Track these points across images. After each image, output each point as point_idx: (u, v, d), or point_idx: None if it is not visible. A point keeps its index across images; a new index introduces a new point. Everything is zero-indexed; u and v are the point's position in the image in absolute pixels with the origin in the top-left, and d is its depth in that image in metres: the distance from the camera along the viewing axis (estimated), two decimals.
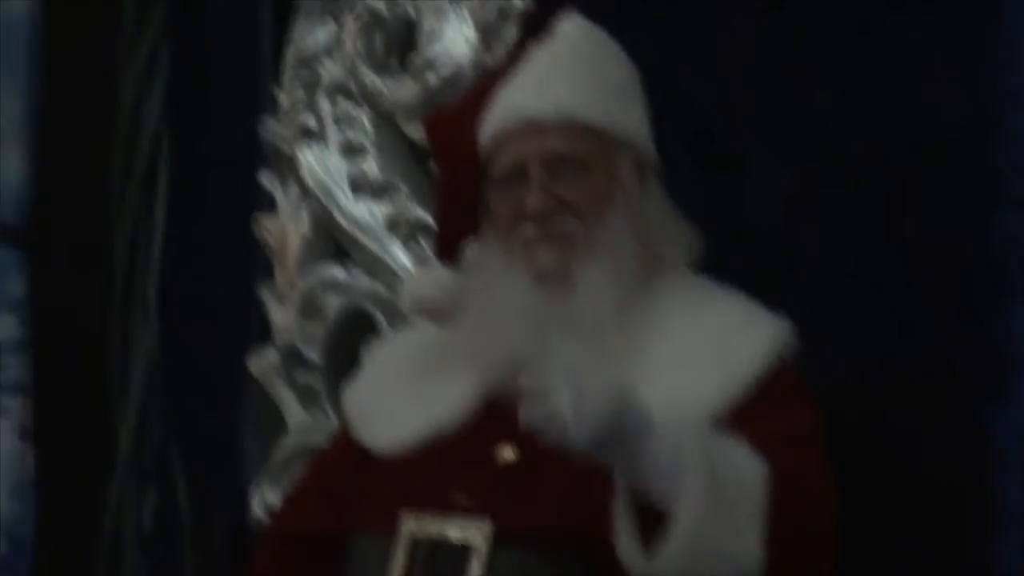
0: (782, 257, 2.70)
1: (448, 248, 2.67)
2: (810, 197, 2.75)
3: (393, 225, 3.04)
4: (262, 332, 3.14)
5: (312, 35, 3.15)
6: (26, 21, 3.71)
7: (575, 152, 2.45)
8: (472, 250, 2.58)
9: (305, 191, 3.11)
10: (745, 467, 2.23)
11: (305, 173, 3.11)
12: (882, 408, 2.64)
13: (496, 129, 2.51)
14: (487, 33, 2.99)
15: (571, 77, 2.52)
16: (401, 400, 2.55)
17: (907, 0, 2.76)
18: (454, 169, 2.70)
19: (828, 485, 2.35)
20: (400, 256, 3.02)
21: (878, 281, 2.72)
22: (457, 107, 2.79)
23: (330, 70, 3.11)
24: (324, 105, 3.12)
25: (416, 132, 3.03)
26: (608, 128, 2.48)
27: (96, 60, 3.66)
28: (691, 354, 2.41)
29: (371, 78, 3.06)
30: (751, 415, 2.33)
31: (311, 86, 3.13)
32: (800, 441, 2.35)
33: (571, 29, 2.57)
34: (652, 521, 2.18)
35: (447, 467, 2.42)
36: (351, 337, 3.00)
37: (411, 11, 3.05)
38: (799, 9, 2.83)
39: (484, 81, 2.76)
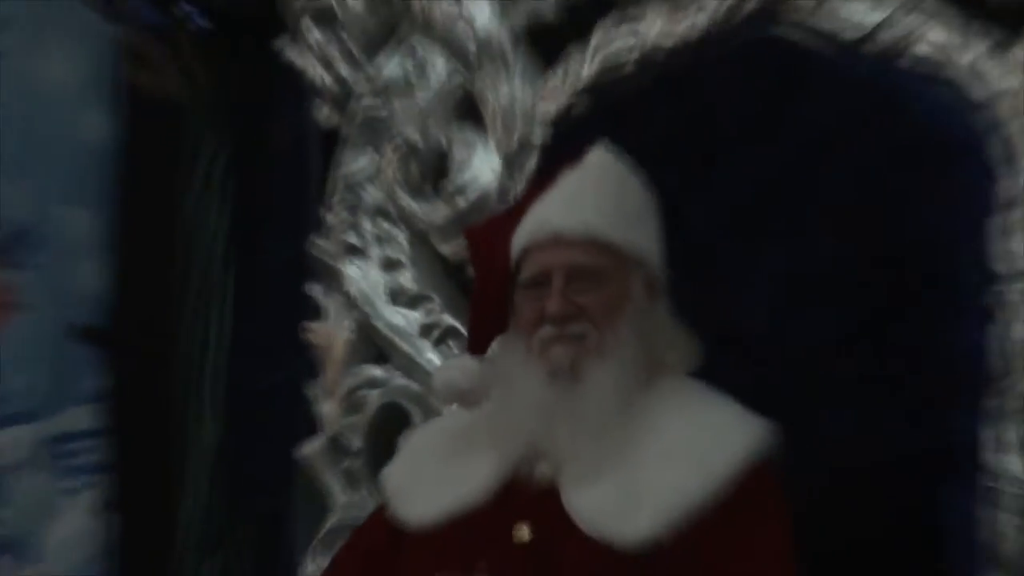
0: (772, 363, 2.80)
1: (479, 343, 2.80)
2: (796, 311, 2.87)
3: (426, 331, 3.15)
4: (310, 424, 3.24)
5: (355, 163, 3.26)
6: (103, 149, 3.80)
7: (594, 265, 2.55)
8: (497, 345, 2.72)
9: (349, 301, 3.22)
10: None
11: (349, 285, 3.23)
12: (858, 487, 2.74)
13: (527, 240, 2.62)
14: (510, 163, 3.11)
15: (596, 199, 2.63)
16: (431, 481, 2.64)
17: (884, 138, 2.88)
18: (488, 273, 2.80)
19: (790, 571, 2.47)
20: (432, 358, 3.12)
21: (854, 383, 2.83)
22: (494, 221, 2.88)
23: (371, 194, 3.22)
24: (366, 225, 3.22)
25: (447, 249, 3.17)
26: (625, 246, 2.58)
27: (163, 183, 3.73)
28: (680, 451, 2.49)
29: (407, 202, 3.18)
30: (729, 508, 2.42)
31: (354, 208, 3.24)
32: (763, 546, 2.46)
33: (599, 158, 2.68)
34: None
35: (471, 540, 2.49)
36: (388, 428, 3.09)
37: (443, 142, 3.16)
38: (791, 142, 2.96)
39: (519, 202, 2.85)
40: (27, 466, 3.79)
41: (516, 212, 2.78)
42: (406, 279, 3.21)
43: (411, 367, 3.18)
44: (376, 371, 3.21)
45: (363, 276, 3.24)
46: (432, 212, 3.18)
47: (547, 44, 3.15)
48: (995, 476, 2.64)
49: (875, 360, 2.85)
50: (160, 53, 3.60)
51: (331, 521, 3.15)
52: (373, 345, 3.22)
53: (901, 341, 2.84)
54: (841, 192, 2.93)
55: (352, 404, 3.20)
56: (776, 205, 2.95)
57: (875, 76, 2.89)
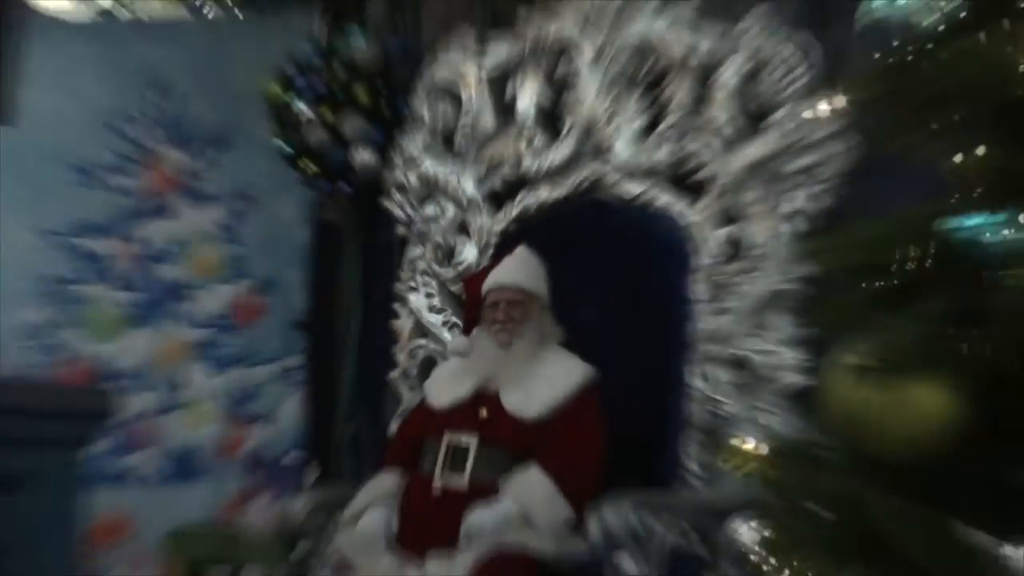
0: (591, 340, 2.68)
1: (467, 330, 2.77)
2: (604, 317, 2.77)
3: (444, 324, 3.08)
4: (393, 364, 3.14)
5: (414, 252, 3.17)
6: (306, 243, 3.69)
7: (518, 298, 2.57)
8: (475, 332, 2.67)
9: (411, 311, 3.14)
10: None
11: (411, 304, 3.15)
12: (631, 395, 2.59)
13: (488, 287, 2.62)
14: (481, 252, 3.04)
15: (519, 269, 2.65)
16: (444, 388, 2.62)
17: (641, 242, 2.78)
18: (472, 299, 2.77)
19: (600, 440, 2.44)
20: (447, 336, 3.04)
21: (630, 348, 2.72)
22: (474, 276, 2.86)
23: (421, 265, 3.14)
24: (418, 278, 3.14)
25: (454, 288, 3.08)
26: (533, 290, 2.60)
27: (332, 260, 3.61)
28: (552, 377, 2.50)
29: (436, 268, 3.10)
30: (568, 407, 2.45)
31: (413, 271, 3.16)
32: (584, 430, 2.44)
33: (521, 250, 2.69)
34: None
35: (460, 417, 2.50)
36: (427, 367, 3.02)
37: (452, 243, 3.08)
38: (601, 246, 2.86)
39: (484, 269, 2.84)
40: (272, 381, 3.69)
41: (483, 273, 2.76)
42: (435, 301, 3.12)
43: (438, 340, 3.10)
44: (422, 341, 3.12)
45: (417, 300, 3.15)
46: (446, 273, 3.11)
47: (498, 200, 3.07)
48: (690, 388, 2.58)
49: (640, 337, 2.74)
50: (332, 202, 3.51)
51: (402, 407, 3.05)
52: (421, 330, 3.13)
53: (650, 330, 2.73)
54: (622, 265, 2.83)
55: (412, 355, 3.11)
56: (592, 274, 2.84)
57: (638, 215, 2.81)
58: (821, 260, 1.29)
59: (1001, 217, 0.84)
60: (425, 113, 3.17)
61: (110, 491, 3.19)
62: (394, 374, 3.14)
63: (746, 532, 1.18)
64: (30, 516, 1.49)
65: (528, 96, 2.99)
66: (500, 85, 3.04)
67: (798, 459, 1.00)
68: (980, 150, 0.89)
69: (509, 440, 2.44)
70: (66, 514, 1.57)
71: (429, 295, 3.12)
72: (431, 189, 3.14)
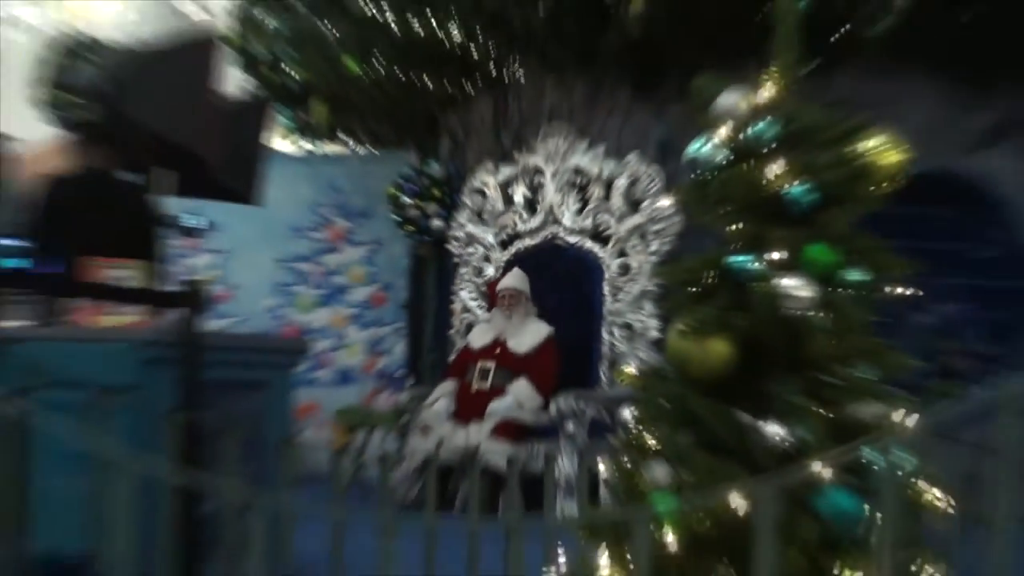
0: (552, 316, 2.59)
1: (490, 310, 2.66)
2: (557, 303, 2.64)
3: (478, 307, 2.95)
4: (451, 325, 2.99)
5: (462, 271, 3.04)
6: (407, 268, 3.47)
7: (515, 294, 2.53)
8: (493, 311, 2.60)
9: (461, 300, 3.01)
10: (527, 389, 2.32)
11: (461, 297, 3.02)
12: (570, 344, 2.51)
13: (500, 288, 2.56)
14: (496, 271, 2.91)
15: (516, 279, 2.59)
16: (477, 338, 2.57)
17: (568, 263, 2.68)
18: (492, 294, 2.69)
19: (557, 364, 2.41)
20: (479, 312, 2.91)
21: (572, 318, 2.62)
22: (492, 283, 2.75)
23: (466, 277, 3.01)
24: (465, 284, 3.02)
25: (483, 289, 2.92)
26: (523, 290, 2.54)
27: (421, 277, 3.40)
28: (531, 333, 2.44)
29: (474, 279, 2.99)
30: (540, 347, 2.40)
31: (462, 281, 3.02)
32: (548, 360, 2.41)
33: (516, 270, 2.63)
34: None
35: (486, 352, 2.46)
36: (469, 328, 2.87)
37: (482, 266, 2.96)
38: (559, 268, 2.73)
39: (497, 279, 2.73)
40: (390, 334, 3.57)
41: (497, 282, 2.68)
42: (473, 295, 3.00)
43: (474, 315, 2.97)
44: (466, 315, 3.00)
45: (464, 294, 3.03)
46: (479, 281, 2.99)
47: (504, 245, 2.96)
48: (602, 339, 2.54)
49: (577, 313, 2.64)
50: (421, 246, 3.38)
51: (456, 347, 2.92)
52: (466, 309, 3.01)
53: (582, 309, 2.63)
54: (567, 277, 2.73)
55: (461, 322, 3.00)
56: (552, 282, 2.72)
57: (576, 253, 2.72)
58: (666, 276, 1.31)
59: (751, 257, 0.86)
60: (468, 202, 3.12)
61: (307, 389, 3.16)
62: (452, 331, 3.07)
63: (629, 413, 1.19)
64: (267, 403, 1.53)
65: (520, 193, 2.96)
66: (506, 188, 3.01)
67: (655, 377, 1.01)
68: (741, 224, 0.92)
69: (511, 365, 2.45)
70: (285, 402, 1.60)
71: (470, 292, 3.04)
72: (471, 240, 3.08)
